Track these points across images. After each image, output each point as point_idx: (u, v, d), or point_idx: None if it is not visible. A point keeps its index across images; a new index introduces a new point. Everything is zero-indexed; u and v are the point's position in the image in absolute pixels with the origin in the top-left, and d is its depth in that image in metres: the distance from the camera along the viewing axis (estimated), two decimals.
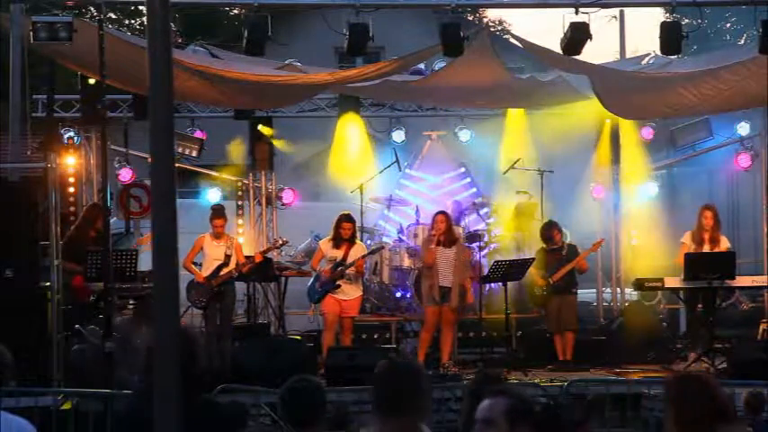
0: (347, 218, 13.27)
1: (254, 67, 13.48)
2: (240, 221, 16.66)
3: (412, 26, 18.77)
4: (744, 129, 16.12)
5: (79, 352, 11.51)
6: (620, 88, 13.98)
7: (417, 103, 16.79)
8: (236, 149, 16.38)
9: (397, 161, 16.17)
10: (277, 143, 16.07)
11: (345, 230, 13.11)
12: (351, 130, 16.25)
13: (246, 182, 16.67)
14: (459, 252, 13.23)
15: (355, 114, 16.10)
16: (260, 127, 15.95)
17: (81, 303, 12.51)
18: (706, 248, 13.49)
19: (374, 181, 15.79)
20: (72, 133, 15.29)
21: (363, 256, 13.22)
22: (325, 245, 13.28)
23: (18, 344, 8.04)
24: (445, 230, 13.15)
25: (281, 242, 14.36)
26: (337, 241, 13.14)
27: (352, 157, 16.25)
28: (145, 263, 13.23)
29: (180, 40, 16.38)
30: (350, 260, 13.04)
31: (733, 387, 9.57)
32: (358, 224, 14.09)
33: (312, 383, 4.73)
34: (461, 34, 12.29)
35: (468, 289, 13.24)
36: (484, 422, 4.03)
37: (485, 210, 16.33)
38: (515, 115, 16.44)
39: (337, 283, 13.01)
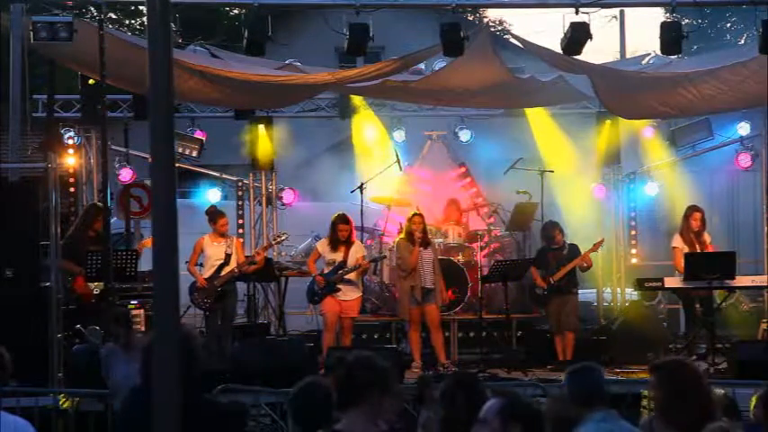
0: (343, 219, 13.24)
1: (254, 67, 13.48)
2: (240, 221, 16.63)
3: (412, 26, 18.72)
4: (744, 129, 16.09)
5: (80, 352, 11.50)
6: (621, 88, 13.98)
7: (417, 103, 16.78)
8: (237, 149, 16.37)
9: (398, 161, 16.16)
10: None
11: (342, 232, 13.09)
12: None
13: (246, 182, 16.66)
14: (434, 252, 13.35)
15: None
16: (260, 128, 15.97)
17: (83, 304, 12.52)
18: (698, 249, 13.51)
19: (374, 181, 15.78)
20: (72, 133, 15.28)
21: (367, 263, 13.28)
22: (323, 246, 13.26)
23: (18, 344, 8.03)
24: (423, 231, 13.20)
25: (280, 238, 14.31)
26: (335, 243, 13.13)
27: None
28: (145, 263, 13.24)
29: (180, 40, 16.32)
30: (350, 261, 13.05)
31: (733, 387, 9.59)
32: (357, 224, 14.07)
33: (320, 385, 4.73)
34: (461, 34, 12.28)
35: (441, 288, 13.34)
36: (478, 422, 4.08)
37: (485, 210, 16.32)
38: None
39: (337, 286, 13.03)
